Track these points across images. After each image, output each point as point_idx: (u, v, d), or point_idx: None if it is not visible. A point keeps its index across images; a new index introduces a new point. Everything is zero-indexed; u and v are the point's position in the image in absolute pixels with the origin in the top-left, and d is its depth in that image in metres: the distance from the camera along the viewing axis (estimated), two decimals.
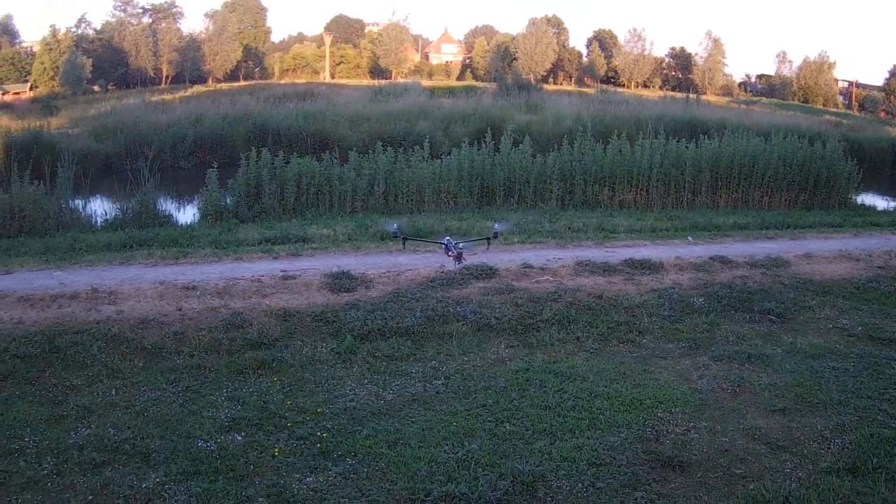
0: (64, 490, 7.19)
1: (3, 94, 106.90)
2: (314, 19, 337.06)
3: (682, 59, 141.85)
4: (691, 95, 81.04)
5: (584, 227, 19.75)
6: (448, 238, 13.11)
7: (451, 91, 76.73)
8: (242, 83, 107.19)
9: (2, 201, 19.70)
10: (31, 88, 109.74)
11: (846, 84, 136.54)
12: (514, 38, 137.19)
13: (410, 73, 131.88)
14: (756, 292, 14.25)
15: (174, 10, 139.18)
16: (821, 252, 17.53)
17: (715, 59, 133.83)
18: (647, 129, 28.33)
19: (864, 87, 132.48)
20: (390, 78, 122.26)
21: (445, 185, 23.11)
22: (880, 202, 32.07)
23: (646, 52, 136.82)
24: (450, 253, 13.06)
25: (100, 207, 23.09)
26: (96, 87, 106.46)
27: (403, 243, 14.55)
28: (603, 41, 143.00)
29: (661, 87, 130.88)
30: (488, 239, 14.52)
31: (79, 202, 22.37)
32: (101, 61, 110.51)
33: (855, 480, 7.57)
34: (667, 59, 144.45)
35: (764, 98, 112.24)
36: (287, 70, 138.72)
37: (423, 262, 14.92)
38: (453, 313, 12.20)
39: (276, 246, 16.64)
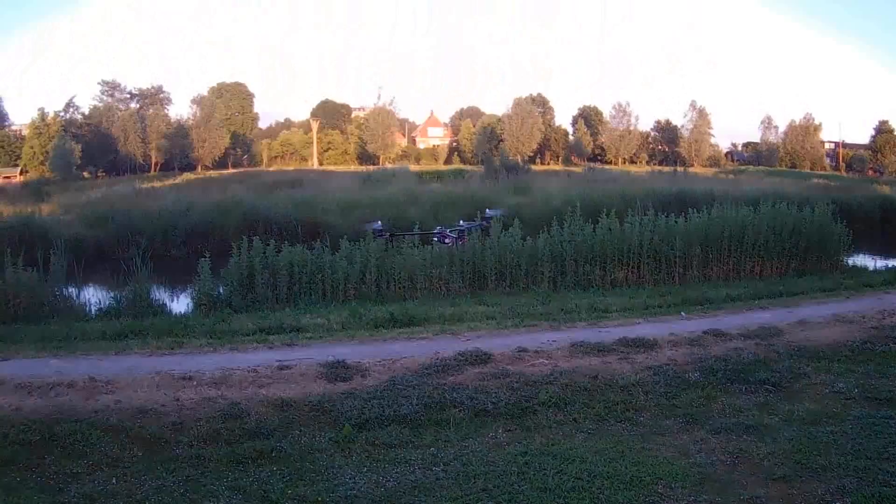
0: None
1: None
2: (301, 105, 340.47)
3: (668, 133, 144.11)
4: (679, 168, 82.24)
5: (576, 309, 19.77)
6: (440, 227, 12.94)
7: (439, 175, 77.85)
8: (232, 170, 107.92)
9: None
10: (21, 173, 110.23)
11: (833, 145, 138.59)
12: (500, 120, 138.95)
13: (398, 157, 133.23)
14: (751, 363, 14.26)
15: (161, 95, 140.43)
16: (814, 318, 17.64)
17: (700, 131, 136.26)
18: (635, 205, 28.51)
19: (851, 146, 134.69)
20: (378, 163, 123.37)
21: (437, 271, 23.12)
22: (872, 262, 32.31)
23: (631, 128, 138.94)
24: (447, 240, 12.85)
25: (94, 296, 23.36)
26: (86, 173, 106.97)
27: (391, 241, 14.35)
28: (588, 118, 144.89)
29: (648, 162, 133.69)
30: (481, 226, 14.33)
31: (73, 290, 22.59)
32: (91, 147, 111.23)
33: None
34: (653, 133, 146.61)
35: (751, 166, 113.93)
36: (276, 157, 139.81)
37: (418, 350, 14.92)
38: (450, 399, 12.19)
39: (271, 336, 16.69)
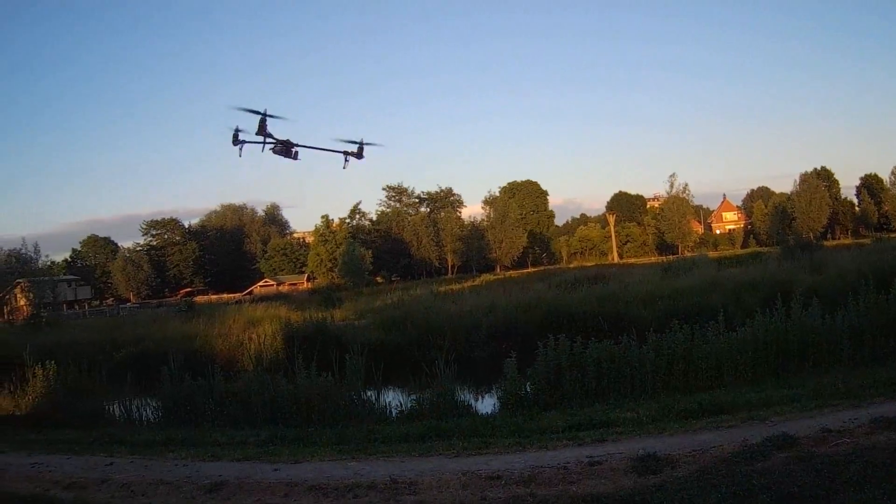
0: None
1: (279, 284, 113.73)
2: (595, 199, 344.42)
3: None
4: None
5: (874, 384, 19.06)
6: None
7: (737, 260, 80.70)
8: (531, 269, 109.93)
9: (287, 391, 20.74)
10: (308, 279, 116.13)
11: None
12: (789, 198, 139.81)
13: (696, 245, 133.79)
14: None
15: (452, 198, 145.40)
16: None
17: None
18: None
19: None
20: (677, 252, 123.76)
21: (742, 357, 22.76)
22: None
23: None
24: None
25: (394, 398, 23.95)
26: (379, 279, 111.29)
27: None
28: (871, 187, 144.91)
29: None
30: None
31: (371, 393, 23.23)
32: (382, 252, 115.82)
33: None
34: None
35: None
36: (575, 253, 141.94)
37: (726, 439, 14.74)
38: (757, 485, 11.91)
39: (581, 432, 16.69)
